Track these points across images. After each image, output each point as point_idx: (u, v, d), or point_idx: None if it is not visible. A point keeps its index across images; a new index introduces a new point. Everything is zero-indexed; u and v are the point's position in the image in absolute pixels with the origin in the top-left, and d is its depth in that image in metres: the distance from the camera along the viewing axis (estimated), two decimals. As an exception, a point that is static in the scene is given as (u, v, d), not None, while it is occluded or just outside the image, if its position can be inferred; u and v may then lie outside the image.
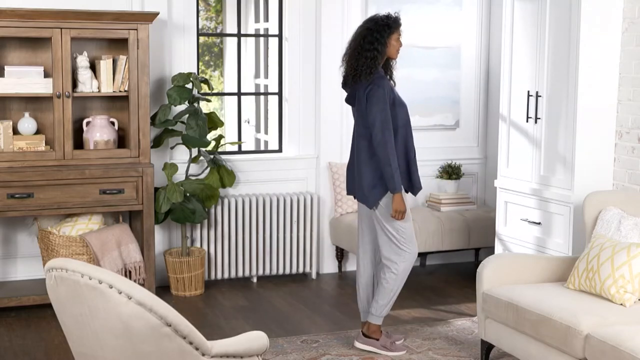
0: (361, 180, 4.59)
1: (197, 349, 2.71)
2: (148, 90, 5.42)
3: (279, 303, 5.71)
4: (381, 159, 4.46)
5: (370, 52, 4.50)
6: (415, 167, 4.63)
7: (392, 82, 4.71)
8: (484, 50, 6.82)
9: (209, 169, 5.93)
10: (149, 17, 5.37)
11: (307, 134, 6.41)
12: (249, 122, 7.80)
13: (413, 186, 4.64)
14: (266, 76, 7.12)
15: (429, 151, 6.66)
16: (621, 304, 3.94)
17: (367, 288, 4.79)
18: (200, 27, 6.57)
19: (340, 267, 6.50)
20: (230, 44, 8.45)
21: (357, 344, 4.73)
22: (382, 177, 4.52)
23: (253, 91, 7.59)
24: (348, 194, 4.81)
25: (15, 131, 5.39)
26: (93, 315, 2.66)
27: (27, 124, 5.38)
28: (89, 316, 2.67)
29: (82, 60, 5.36)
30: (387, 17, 4.57)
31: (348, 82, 4.65)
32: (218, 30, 9.53)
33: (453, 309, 5.57)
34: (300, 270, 6.33)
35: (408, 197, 4.71)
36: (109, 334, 2.66)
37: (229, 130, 8.08)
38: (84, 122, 5.51)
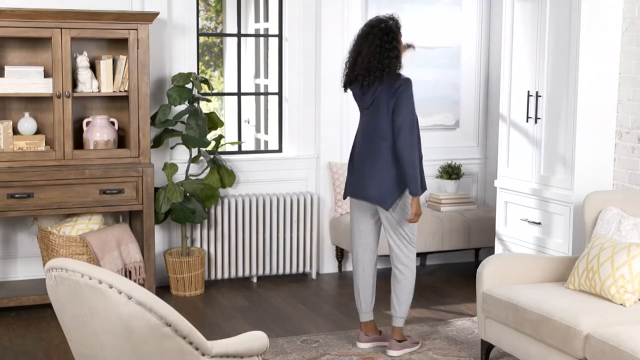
0: (380, 182, 4.53)
1: (197, 349, 2.71)
2: (148, 90, 5.42)
3: (279, 303, 5.71)
4: (407, 161, 4.44)
5: (393, 51, 4.48)
6: (422, 169, 4.66)
7: None
8: (484, 50, 6.82)
9: (209, 169, 5.93)
10: (149, 17, 5.37)
11: (307, 134, 6.41)
12: (249, 122, 7.80)
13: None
14: (266, 76, 7.12)
15: (429, 151, 6.64)
16: (621, 304, 3.94)
17: (368, 288, 4.77)
18: (200, 27, 6.57)
19: (340, 267, 6.50)
20: (230, 44, 8.45)
21: (394, 353, 4.64)
22: (401, 179, 4.50)
23: (253, 91, 7.59)
24: (351, 196, 4.70)
25: (15, 131, 5.39)
26: (93, 315, 2.66)
27: (27, 124, 5.38)
28: (89, 316, 2.67)
29: (82, 60, 5.36)
30: (393, 19, 4.57)
31: (362, 83, 4.54)
32: (218, 30, 9.53)
33: (453, 309, 5.57)
34: (300, 270, 6.33)
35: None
36: (109, 334, 2.66)
37: (229, 130, 8.08)
38: (84, 122, 5.51)
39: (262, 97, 7.61)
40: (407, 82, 4.48)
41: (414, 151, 4.45)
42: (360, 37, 4.57)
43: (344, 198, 4.82)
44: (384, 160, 4.52)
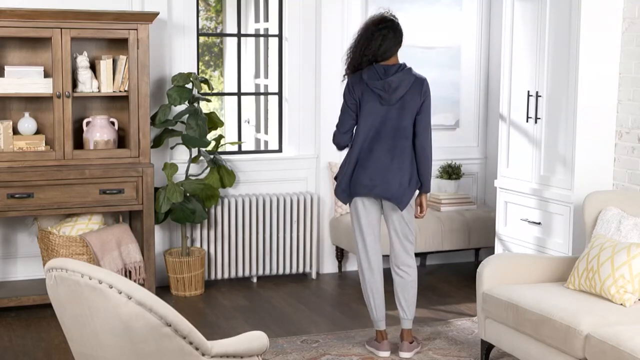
0: (400, 181, 4.52)
1: (197, 349, 2.71)
2: (148, 90, 5.42)
3: (279, 303, 5.71)
4: (428, 159, 4.58)
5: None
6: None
7: None
8: (484, 50, 6.82)
9: (209, 169, 5.93)
10: (149, 17, 5.37)
11: (307, 134, 6.41)
12: (249, 122, 7.80)
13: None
14: (266, 76, 7.12)
15: (429, 151, 6.65)
16: (621, 304, 3.94)
17: (381, 294, 4.71)
18: (200, 27, 6.57)
19: (340, 267, 6.50)
20: (230, 44, 8.45)
21: (406, 355, 4.62)
22: (412, 178, 4.55)
23: (253, 91, 7.59)
24: (364, 195, 4.58)
25: (15, 131, 5.39)
26: (93, 315, 2.66)
27: (27, 124, 5.38)
28: (89, 316, 2.67)
29: (82, 60, 5.36)
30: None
31: (391, 76, 4.51)
32: (218, 30, 9.53)
33: (453, 309, 5.57)
34: (300, 270, 6.33)
35: None
36: (109, 334, 2.66)
37: (229, 130, 8.08)
38: (84, 122, 5.51)
39: (262, 97, 7.61)
40: (427, 81, 4.61)
41: (431, 150, 4.62)
42: (377, 32, 4.51)
43: (347, 203, 4.67)
44: (405, 159, 4.55)
